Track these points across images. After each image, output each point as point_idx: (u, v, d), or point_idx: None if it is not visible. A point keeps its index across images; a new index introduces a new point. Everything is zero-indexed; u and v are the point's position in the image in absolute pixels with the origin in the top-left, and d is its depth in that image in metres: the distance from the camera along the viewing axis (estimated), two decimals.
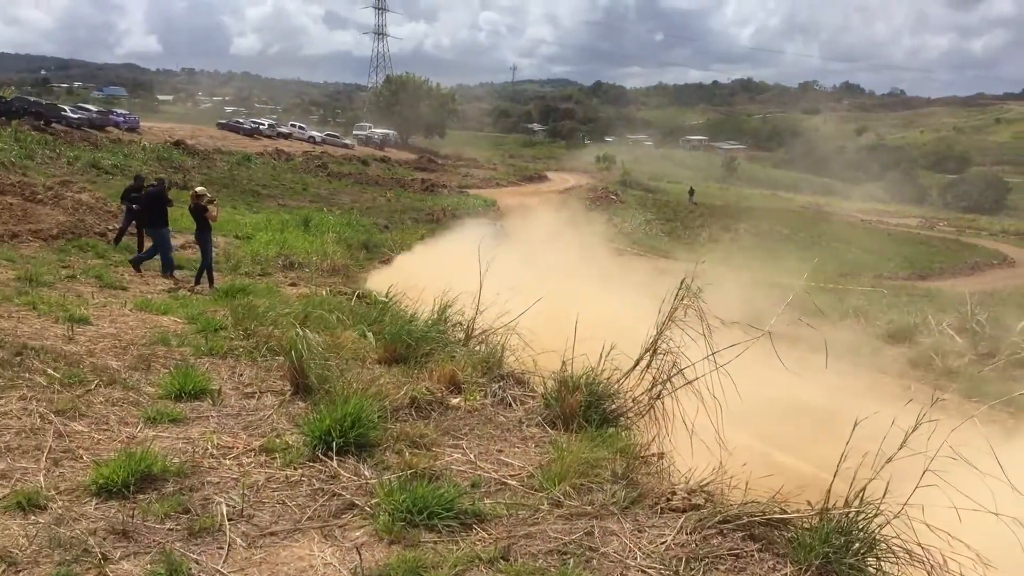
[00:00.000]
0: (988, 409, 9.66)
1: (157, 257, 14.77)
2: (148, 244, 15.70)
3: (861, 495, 4.01)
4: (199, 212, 13.97)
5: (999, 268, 43.35)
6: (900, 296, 23.53)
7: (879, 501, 3.97)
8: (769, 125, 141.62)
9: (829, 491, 4.09)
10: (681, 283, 6.29)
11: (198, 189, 14.68)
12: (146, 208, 15.26)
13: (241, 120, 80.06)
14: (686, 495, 4.47)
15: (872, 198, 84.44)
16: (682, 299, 6.25)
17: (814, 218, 60.09)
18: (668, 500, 4.46)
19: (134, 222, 17.16)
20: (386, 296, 9.42)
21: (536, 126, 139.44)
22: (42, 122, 43.88)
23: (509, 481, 4.97)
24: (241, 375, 7.14)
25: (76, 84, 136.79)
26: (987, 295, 22.85)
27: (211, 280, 13.94)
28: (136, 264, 14.50)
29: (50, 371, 6.46)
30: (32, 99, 54.11)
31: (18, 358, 6.62)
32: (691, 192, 63.69)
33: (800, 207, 69.51)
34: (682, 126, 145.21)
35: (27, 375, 6.30)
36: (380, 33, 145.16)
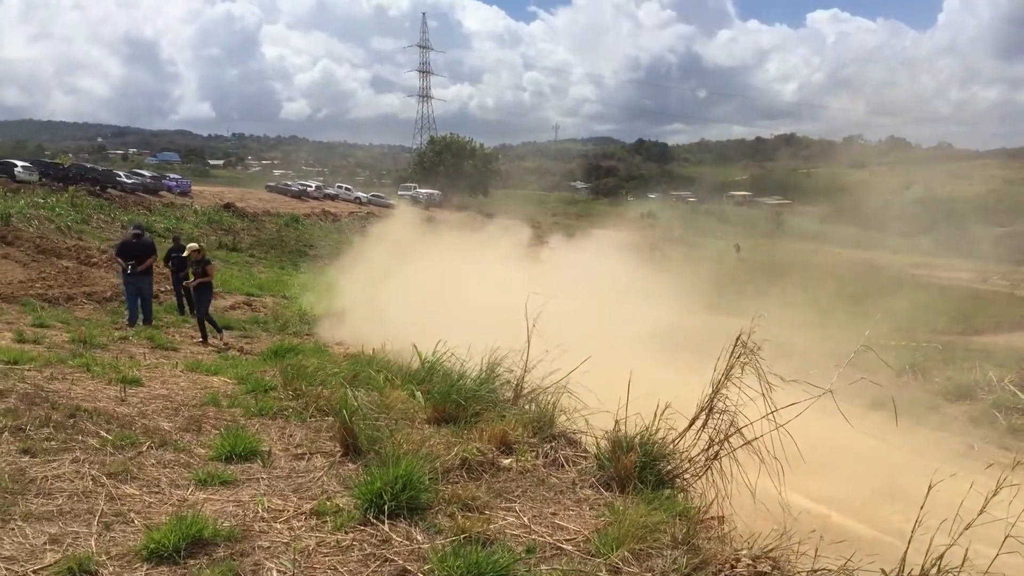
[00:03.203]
0: None
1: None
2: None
3: (939, 563, 3.81)
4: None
5: None
6: (956, 351, 22.91)
7: (958, 569, 3.76)
8: (814, 180, 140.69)
9: (904, 559, 3.90)
10: (736, 339, 6.15)
11: (191, 245, 15.03)
12: (138, 257, 15.51)
13: (289, 183, 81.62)
14: (751, 562, 4.29)
15: (922, 251, 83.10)
16: (738, 356, 6.10)
17: (863, 272, 59.17)
18: (732, 567, 4.28)
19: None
20: (433, 354, 9.34)
21: (579, 184, 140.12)
22: (98, 187, 45.14)
23: (565, 546, 4.83)
24: (291, 436, 7.10)
25: (131, 150, 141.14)
26: None
27: (203, 334, 14.19)
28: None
29: (102, 433, 6.47)
30: (88, 165, 55.88)
31: (71, 420, 6.66)
32: (737, 248, 63.23)
33: (848, 261, 68.56)
34: (725, 182, 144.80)
35: (80, 437, 6.31)
36: (424, 96, 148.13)
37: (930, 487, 4.06)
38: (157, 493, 5.42)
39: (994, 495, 3.95)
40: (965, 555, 3.77)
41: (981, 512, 3.93)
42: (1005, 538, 3.83)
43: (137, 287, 15.32)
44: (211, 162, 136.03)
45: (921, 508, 4.00)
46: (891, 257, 77.41)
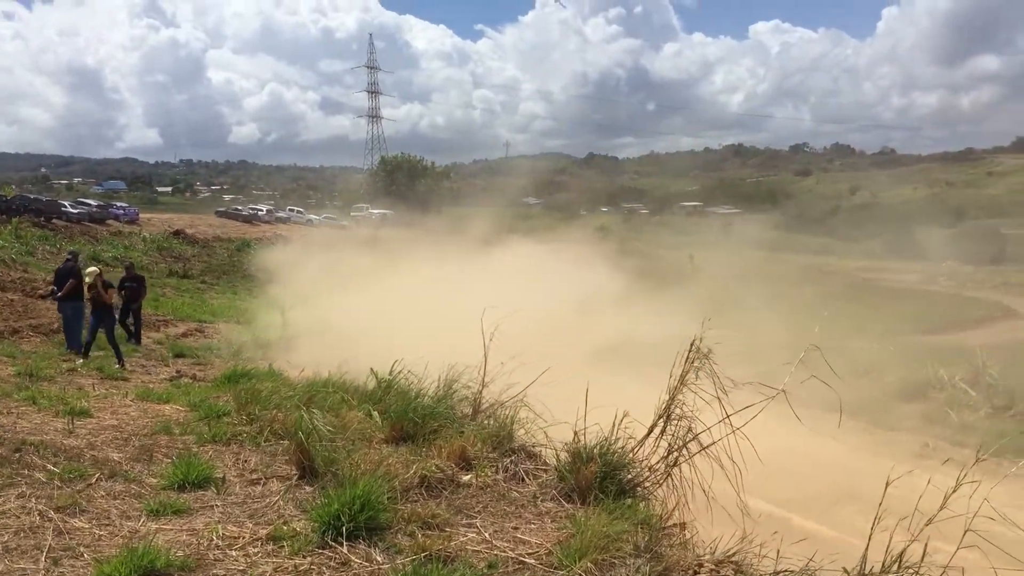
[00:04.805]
0: (1010, 462, 9.44)
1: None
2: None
3: (899, 560, 3.82)
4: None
5: (1003, 320, 43.03)
6: (908, 352, 23.32)
7: (918, 564, 3.78)
8: (763, 188, 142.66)
9: (865, 556, 3.91)
10: (691, 345, 6.16)
11: (91, 270, 14.86)
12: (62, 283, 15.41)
13: (239, 207, 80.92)
14: (713, 567, 4.28)
15: (870, 255, 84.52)
16: (692, 361, 6.11)
17: (815, 277, 60.00)
18: (695, 573, 4.27)
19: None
20: (390, 373, 9.24)
21: (532, 199, 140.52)
22: (42, 218, 44.32)
23: (527, 560, 4.78)
24: (246, 461, 6.96)
25: (76, 180, 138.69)
26: (996, 347, 22.62)
27: (86, 350, 14.24)
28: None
29: (50, 467, 6.29)
30: (32, 196, 54.76)
31: (17, 454, 6.47)
32: (691, 258, 63.75)
33: (800, 267, 69.49)
34: (676, 193, 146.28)
35: (26, 471, 6.13)
36: (374, 116, 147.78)
37: (887, 484, 4.08)
38: (107, 525, 5.27)
39: (954, 492, 3.97)
40: (924, 550, 3.79)
41: (942, 508, 3.95)
42: (964, 533, 3.85)
43: (63, 313, 15.29)
44: (159, 189, 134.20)
45: (879, 505, 4.02)
46: (841, 262, 78.64)
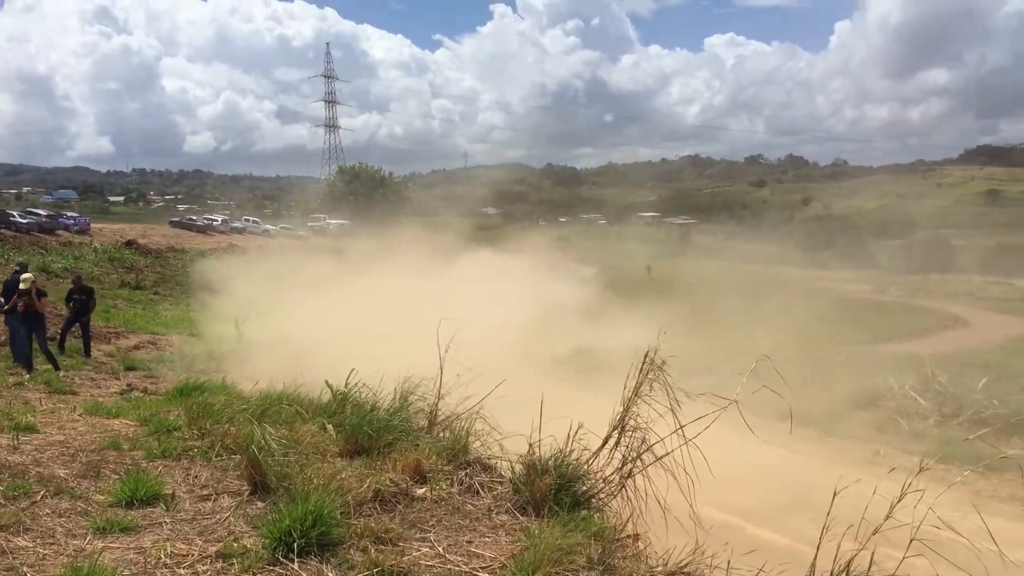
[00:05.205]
0: (958, 469, 9.61)
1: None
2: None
3: (847, 569, 3.87)
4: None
5: (953, 329, 43.88)
6: (860, 361, 23.68)
7: (865, 573, 3.83)
8: (719, 199, 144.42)
9: (813, 565, 3.95)
10: (645, 356, 6.19)
11: (26, 276, 14.54)
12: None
13: (194, 217, 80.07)
14: None
15: (824, 266, 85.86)
16: (647, 373, 6.14)
17: (770, 287, 60.73)
18: None
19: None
20: (345, 385, 9.16)
21: (490, 209, 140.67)
22: None
23: (480, 574, 4.75)
24: (196, 477, 6.84)
25: (25, 189, 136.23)
26: (945, 356, 23.09)
27: (54, 363, 14.18)
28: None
29: None
30: None
31: None
32: (649, 269, 64.22)
33: (755, 277, 70.32)
34: (634, 203, 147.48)
35: None
36: (331, 126, 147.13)
37: (835, 494, 4.13)
38: (52, 544, 5.15)
39: (899, 501, 4.04)
40: (871, 559, 3.84)
41: (887, 517, 4.01)
42: (911, 541, 3.92)
43: (9, 326, 14.98)
44: (111, 199, 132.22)
45: (828, 515, 4.07)
46: (795, 272, 79.69)
